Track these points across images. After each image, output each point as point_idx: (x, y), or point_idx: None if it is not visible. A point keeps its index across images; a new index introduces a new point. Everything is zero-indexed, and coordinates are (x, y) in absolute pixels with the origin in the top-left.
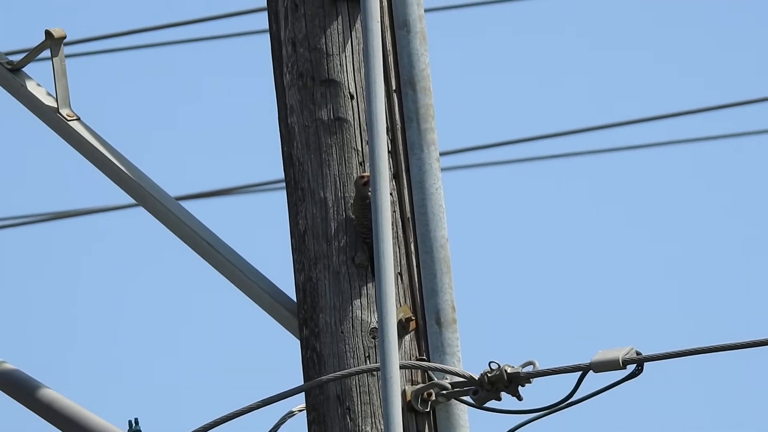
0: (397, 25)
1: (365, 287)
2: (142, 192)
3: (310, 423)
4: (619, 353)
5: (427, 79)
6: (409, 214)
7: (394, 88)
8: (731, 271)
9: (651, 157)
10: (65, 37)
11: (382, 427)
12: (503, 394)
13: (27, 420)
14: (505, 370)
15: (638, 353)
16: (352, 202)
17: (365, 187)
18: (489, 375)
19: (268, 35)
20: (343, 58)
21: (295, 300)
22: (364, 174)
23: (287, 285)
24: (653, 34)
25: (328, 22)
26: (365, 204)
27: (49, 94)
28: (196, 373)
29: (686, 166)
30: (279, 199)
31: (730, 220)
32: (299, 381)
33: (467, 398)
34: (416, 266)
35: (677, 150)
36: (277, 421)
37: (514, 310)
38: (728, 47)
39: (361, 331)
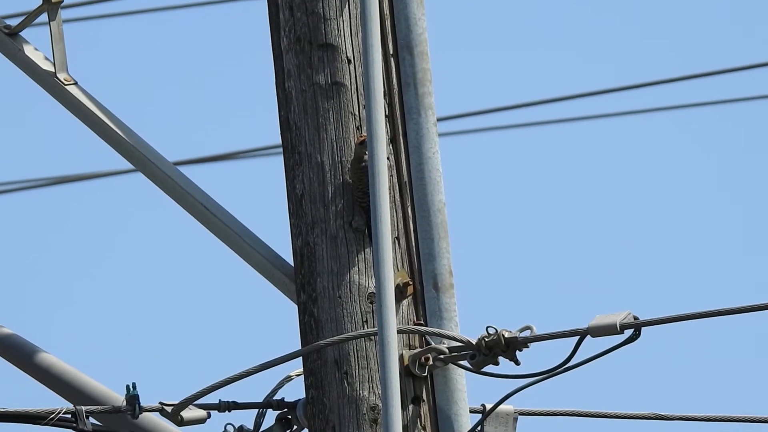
0: None
1: (363, 252)
2: (140, 157)
3: (308, 387)
4: (617, 318)
5: (425, 43)
6: (406, 179)
7: (391, 52)
8: (733, 235)
9: (649, 121)
10: (62, 1)
11: (380, 392)
12: (501, 359)
13: (25, 384)
14: (503, 335)
15: (636, 318)
16: (349, 165)
17: (363, 148)
18: (486, 339)
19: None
20: (341, 22)
21: (292, 265)
22: (363, 135)
23: (285, 250)
24: (648, 4)
25: None
26: (362, 167)
27: (46, 59)
28: (194, 337)
29: (680, 130)
30: (276, 164)
31: (732, 185)
32: (297, 345)
33: (465, 363)
34: (413, 231)
35: (677, 114)
36: (275, 386)
37: (512, 275)
38: (748, 7)
39: (359, 296)
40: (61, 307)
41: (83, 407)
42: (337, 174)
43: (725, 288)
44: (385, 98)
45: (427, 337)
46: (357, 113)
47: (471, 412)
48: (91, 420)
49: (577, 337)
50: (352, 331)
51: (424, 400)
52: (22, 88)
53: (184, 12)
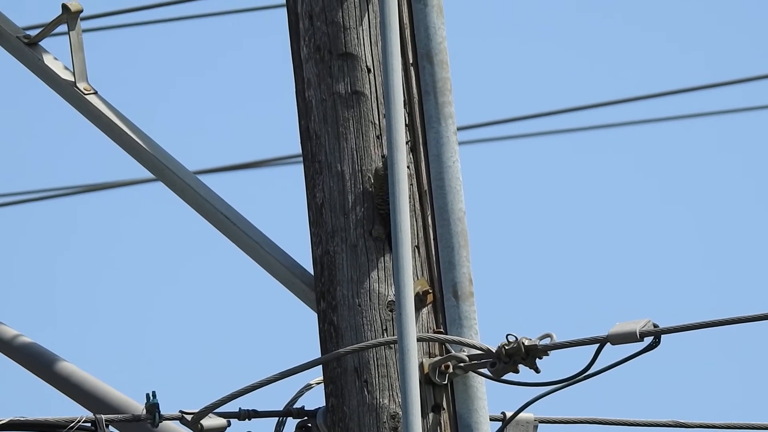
0: None
1: (382, 260)
2: (160, 166)
3: (328, 395)
4: (636, 325)
5: (445, 52)
6: (426, 188)
7: (411, 61)
8: (753, 243)
9: (672, 130)
10: (82, 11)
11: (400, 400)
12: (521, 367)
13: (44, 393)
14: (523, 343)
15: (655, 325)
16: (371, 174)
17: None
18: (506, 347)
19: (285, 9)
20: (360, 32)
21: (312, 273)
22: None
23: (305, 258)
24: (672, 12)
25: None
26: (383, 176)
27: (66, 68)
28: (214, 346)
29: (707, 138)
30: (296, 173)
31: (754, 192)
32: (317, 354)
33: (485, 371)
34: (433, 239)
35: (702, 122)
36: (295, 394)
37: (532, 283)
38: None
39: (379, 304)
40: (81, 315)
41: (103, 416)
42: (357, 183)
43: (745, 295)
44: (405, 107)
45: (447, 345)
46: (377, 122)
47: (491, 420)
48: (111, 429)
49: (597, 345)
50: (371, 339)
51: (444, 409)
52: (42, 97)
53: (206, 21)
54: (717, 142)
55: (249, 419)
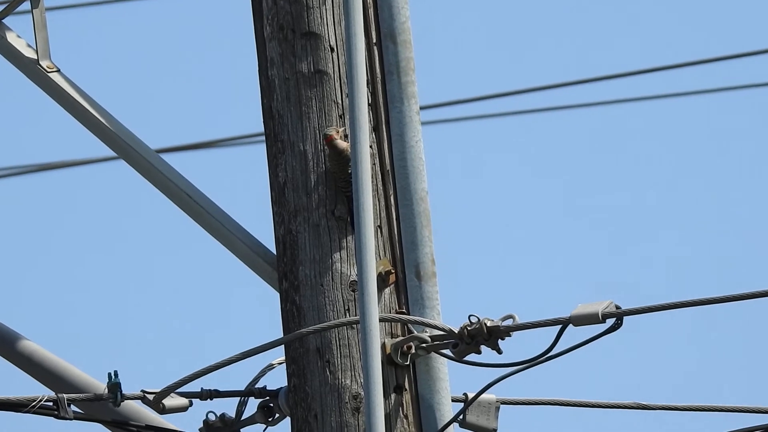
0: None
1: (345, 240)
2: (122, 144)
3: (290, 376)
4: (599, 307)
5: (408, 32)
6: (389, 167)
7: (374, 40)
8: (718, 224)
9: (631, 110)
10: None
11: (362, 380)
12: (483, 348)
13: (6, 371)
14: (485, 324)
15: (618, 307)
16: (328, 154)
17: (332, 142)
18: (469, 328)
19: None
20: (324, 11)
21: (274, 253)
22: (329, 132)
23: (267, 238)
24: None
25: None
26: (341, 157)
27: (29, 46)
28: (176, 325)
29: (668, 120)
30: (259, 152)
31: (721, 171)
32: (279, 334)
33: (447, 351)
34: (396, 219)
35: (668, 103)
36: (257, 374)
37: (494, 264)
38: None
39: (341, 284)
40: (42, 294)
41: (65, 395)
42: (320, 162)
43: (708, 278)
44: (368, 87)
45: (410, 325)
46: (340, 102)
47: (453, 401)
48: (73, 408)
49: (560, 326)
50: (334, 319)
51: (406, 389)
52: (5, 75)
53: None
54: (675, 123)
55: (211, 399)
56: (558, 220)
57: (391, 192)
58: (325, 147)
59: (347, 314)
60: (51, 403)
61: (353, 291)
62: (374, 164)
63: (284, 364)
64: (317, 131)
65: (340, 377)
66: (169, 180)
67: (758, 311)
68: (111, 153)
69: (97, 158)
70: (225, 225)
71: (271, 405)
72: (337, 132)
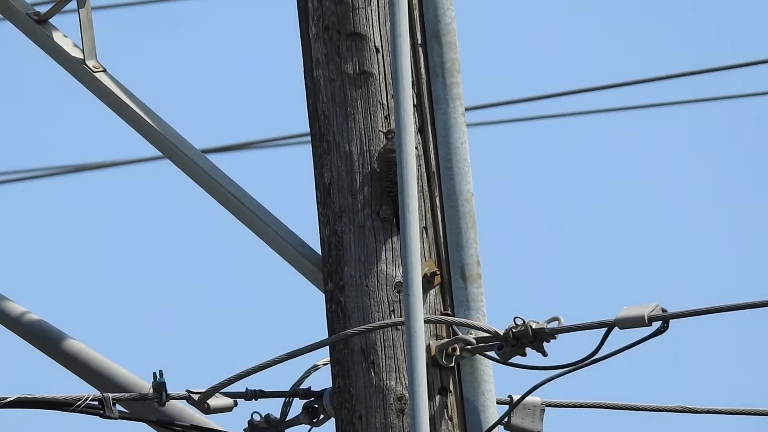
0: None
1: (390, 241)
2: (167, 144)
3: (335, 377)
4: (645, 310)
5: (453, 33)
6: (434, 168)
7: (419, 42)
8: (763, 229)
9: (678, 114)
10: None
11: (407, 382)
12: (528, 350)
13: (52, 371)
14: (530, 326)
15: (664, 310)
16: (377, 155)
17: (390, 141)
18: (514, 330)
19: None
20: (369, 12)
21: (320, 253)
22: (390, 128)
23: (312, 238)
24: None
25: None
26: (389, 158)
27: (75, 46)
28: (221, 325)
29: (720, 124)
30: (304, 153)
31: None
32: (324, 334)
33: (492, 353)
34: (441, 220)
35: (717, 106)
36: (301, 375)
37: (540, 266)
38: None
39: (386, 285)
40: (88, 293)
41: (110, 394)
42: (365, 163)
43: (755, 281)
44: (413, 88)
45: (455, 327)
46: (385, 103)
47: (498, 403)
48: (118, 407)
49: (605, 329)
50: (379, 320)
51: (450, 391)
52: (51, 75)
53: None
54: (725, 126)
55: (255, 399)
56: (604, 221)
57: (437, 193)
58: (371, 148)
59: (392, 315)
60: (96, 403)
61: (398, 292)
62: (419, 165)
63: (329, 365)
64: (363, 132)
65: (384, 379)
66: (214, 180)
67: None
68: (157, 153)
69: (143, 158)
70: (270, 225)
71: (316, 406)
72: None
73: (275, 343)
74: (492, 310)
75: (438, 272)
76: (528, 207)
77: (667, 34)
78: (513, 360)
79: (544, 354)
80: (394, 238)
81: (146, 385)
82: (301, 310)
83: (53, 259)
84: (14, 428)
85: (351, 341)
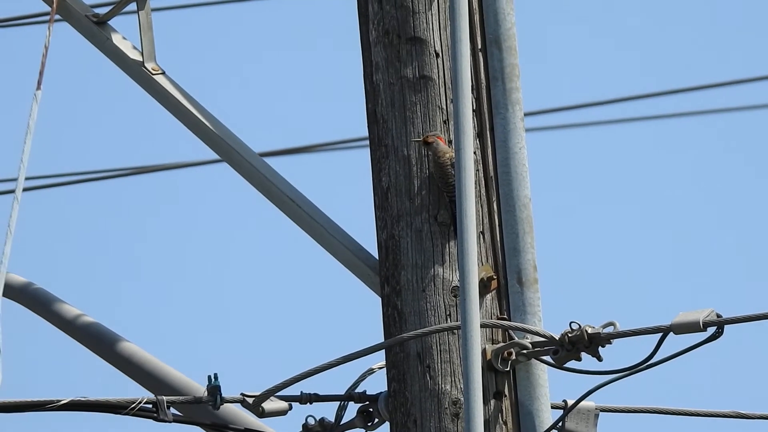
0: None
1: (447, 245)
2: (226, 147)
3: (390, 380)
4: (700, 315)
5: (513, 38)
6: (492, 174)
7: (479, 47)
8: None
9: (743, 119)
10: None
11: (462, 386)
12: (583, 355)
13: (106, 373)
14: (586, 331)
15: (719, 315)
16: (430, 158)
17: (430, 146)
18: (569, 335)
19: None
20: (429, 16)
21: (377, 257)
22: (429, 135)
23: (369, 242)
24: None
25: None
26: (439, 162)
27: (134, 48)
28: (277, 329)
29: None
30: (363, 157)
31: None
32: (380, 338)
33: (547, 358)
34: (498, 225)
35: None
36: (357, 378)
37: (595, 271)
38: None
39: (443, 289)
40: (144, 296)
41: (164, 397)
42: (424, 167)
43: None
44: (472, 93)
45: (511, 331)
46: (444, 107)
47: (552, 407)
48: (172, 410)
49: (660, 334)
50: (435, 324)
51: (506, 395)
52: (110, 77)
53: (274, 3)
54: None
55: (310, 403)
56: (661, 226)
57: (494, 198)
58: (428, 151)
59: (448, 320)
60: (150, 406)
61: (455, 296)
62: (478, 170)
63: (384, 369)
64: (421, 136)
65: (440, 382)
66: (272, 183)
67: None
68: (215, 156)
69: (201, 161)
70: (327, 229)
71: (371, 410)
72: (439, 137)
73: (331, 346)
74: (548, 315)
75: (495, 277)
76: (585, 212)
77: (717, 40)
78: (568, 365)
79: (600, 359)
80: (451, 243)
81: (201, 388)
82: (358, 314)
83: (110, 260)
84: (69, 430)
85: (407, 345)
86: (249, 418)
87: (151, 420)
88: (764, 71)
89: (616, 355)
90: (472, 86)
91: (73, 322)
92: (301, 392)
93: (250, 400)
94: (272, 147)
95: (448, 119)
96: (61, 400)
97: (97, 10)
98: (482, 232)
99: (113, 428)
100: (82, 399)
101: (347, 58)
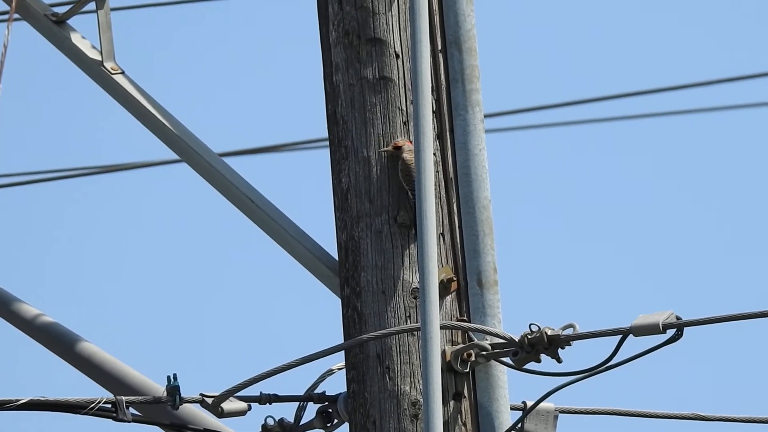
0: None
1: (407, 247)
2: (185, 147)
3: (350, 381)
4: (660, 317)
5: (473, 39)
6: (452, 175)
7: (439, 48)
8: None
9: (693, 122)
10: None
11: (422, 387)
12: (543, 357)
13: (65, 373)
14: (546, 333)
15: (678, 318)
16: (400, 163)
17: (401, 150)
18: (529, 337)
19: None
20: (389, 17)
21: (336, 258)
22: (397, 142)
23: (329, 243)
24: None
25: None
26: (408, 163)
27: (93, 47)
28: (237, 329)
29: (730, 132)
30: (322, 157)
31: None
32: (339, 339)
33: (507, 359)
34: (459, 227)
35: (722, 116)
36: (316, 379)
37: (555, 273)
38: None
39: (403, 291)
40: (102, 296)
41: (123, 397)
42: (384, 168)
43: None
44: (432, 94)
45: (470, 333)
46: (404, 108)
47: (512, 409)
48: (131, 410)
49: (620, 336)
50: (395, 325)
51: (465, 397)
52: (69, 76)
53: (232, 3)
54: (740, 135)
55: (270, 403)
56: (620, 229)
57: (454, 200)
58: (396, 155)
59: (408, 321)
60: (109, 406)
61: (415, 298)
62: (437, 172)
63: (344, 370)
64: (381, 137)
65: (399, 384)
66: (231, 184)
67: None
68: (174, 156)
69: (160, 161)
70: (287, 230)
71: (330, 410)
72: (408, 141)
73: (290, 347)
74: (508, 317)
75: (455, 278)
76: (545, 214)
77: (693, 41)
78: (528, 366)
79: (559, 360)
80: (411, 244)
81: (160, 389)
82: (318, 315)
83: (67, 260)
84: (27, 431)
85: (366, 346)
86: (208, 418)
87: (110, 420)
88: (712, 75)
89: (575, 356)
90: (432, 87)
91: (32, 322)
92: (261, 393)
93: (210, 401)
94: (232, 147)
95: (408, 120)
96: (19, 400)
97: (56, 9)
98: (442, 234)
99: (73, 429)
100: (41, 399)
101: (307, 59)
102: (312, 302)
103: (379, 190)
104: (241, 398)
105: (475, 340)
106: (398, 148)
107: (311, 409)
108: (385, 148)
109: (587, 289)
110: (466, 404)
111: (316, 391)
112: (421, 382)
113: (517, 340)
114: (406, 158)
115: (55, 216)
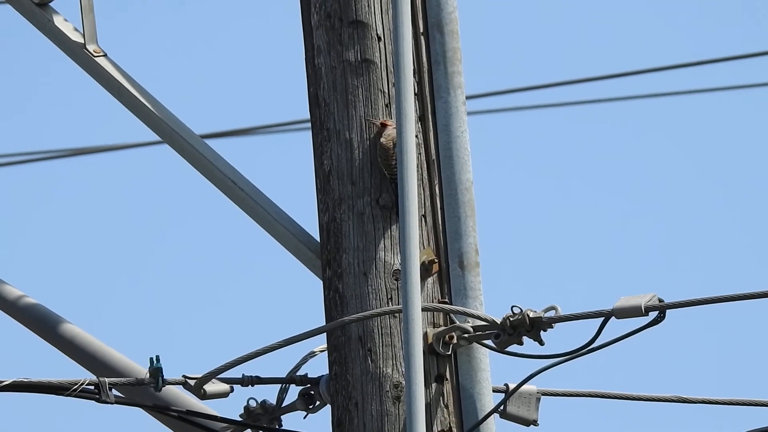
0: None
1: (389, 229)
2: (167, 129)
3: (332, 363)
4: (642, 300)
5: (455, 22)
6: (434, 157)
7: (421, 30)
8: (758, 221)
9: (676, 102)
10: None
11: (403, 369)
12: (525, 339)
13: (48, 354)
14: (528, 315)
15: (661, 300)
16: (376, 144)
17: (386, 128)
18: (511, 319)
19: None
20: (371, 0)
21: (318, 240)
22: (384, 120)
23: (311, 225)
24: None
25: None
26: (384, 145)
27: (76, 30)
28: (219, 311)
29: (710, 113)
30: (305, 139)
31: (750, 174)
32: (321, 321)
33: (489, 342)
34: (440, 209)
35: (697, 98)
36: (298, 361)
37: (537, 255)
38: None
39: (384, 273)
40: (85, 277)
41: (106, 379)
42: (365, 151)
43: (751, 272)
44: (414, 76)
45: (452, 315)
46: (386, 91)
47: (494, 391)
48: (114, 392)
49: (602, 319)
50: (376, 307)
51: (447, 379)
52: (52, 59)
53: None
54: (715, 117)
55: (252, 385)
56: (602, 210)
57: (436, 182)
58: (375, 133)
59: (390, 303)
60: (92, 387)
61: (396, 280)
62: (420, 154)
63: (326, 352)
64: (363, 120)
65: (381, 366)
66: (213, 165)
67: None
68: (156, 138)
69: (142, 143)
70: (269, 211)
71: (312, 392)
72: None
73: (272, 329)
74: (490, 299)
75: (436, 260)
76: (527, 196)
77: (659, 25)
78: (510, 349)
79: (541, 343)
80: (393, 226)
81: (142, 371)
82: (299, 297)
83: (49, 241)
84: (11, 412)
85: (348, 328)
86: (191, 400)
87: (93, 401)
88: (675, 59)
89: (557, 339)
90: (413, 70)
91: (15, 303)
92: (243, 375)
93: (192, 383)
94: (214, 129)
95: (389, 103)
96: (3, 381)
97: None
98: (424, 216)
99: (56, 410)
100: (24, 380)
101: (289, 41)
102: (294, 284)
103: (361, 173)
104: (224, 380)
105: (457, 322)
106: (384, 126)
107: (293, 392)
108: (372, 120)
109: (569, 271)
110: (448, 386)
111: (298, 374)
112: (403, 364)
113: (499, 323)
114: (383, 142)
115: (39, 197)
